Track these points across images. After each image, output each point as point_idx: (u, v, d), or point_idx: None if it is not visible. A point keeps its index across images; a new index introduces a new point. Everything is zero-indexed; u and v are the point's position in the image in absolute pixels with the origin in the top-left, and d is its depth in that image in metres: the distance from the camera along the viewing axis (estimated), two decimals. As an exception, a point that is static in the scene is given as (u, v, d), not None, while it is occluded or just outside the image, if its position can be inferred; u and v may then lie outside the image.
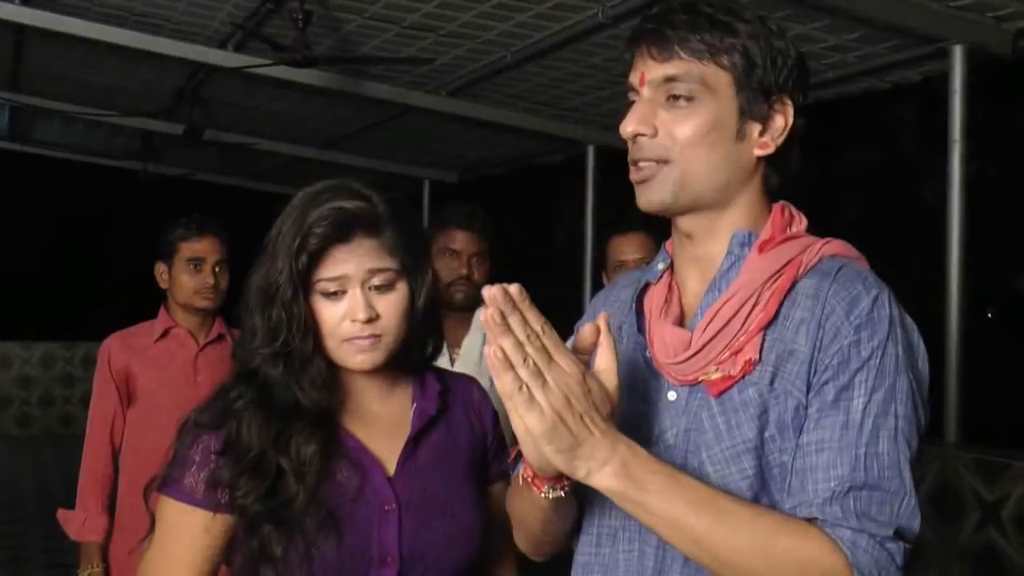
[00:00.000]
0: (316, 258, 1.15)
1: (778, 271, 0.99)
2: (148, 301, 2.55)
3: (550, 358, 0.85)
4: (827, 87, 4.08)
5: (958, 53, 3.26)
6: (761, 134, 1.02)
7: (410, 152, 6.79)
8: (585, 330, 0.91)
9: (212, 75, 5.13)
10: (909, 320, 1.00)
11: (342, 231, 1.16)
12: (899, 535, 0.90)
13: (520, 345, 0.83)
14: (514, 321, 0.83)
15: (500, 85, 4.77)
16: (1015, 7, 3.13)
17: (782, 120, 1.02)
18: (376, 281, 1.17)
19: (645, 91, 1.02)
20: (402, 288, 1.19)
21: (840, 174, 4.48)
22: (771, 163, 1.04)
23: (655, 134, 1.00)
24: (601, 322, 0.91)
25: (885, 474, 0.91)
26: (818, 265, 1.00)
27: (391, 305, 1.18)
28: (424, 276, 1.22)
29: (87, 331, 8.24)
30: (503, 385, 0.83)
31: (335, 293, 1.17)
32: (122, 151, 8.02)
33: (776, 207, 1.06)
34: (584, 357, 0.91)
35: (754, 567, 0.88)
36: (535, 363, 0.83)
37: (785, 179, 1.06)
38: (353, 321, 1.16)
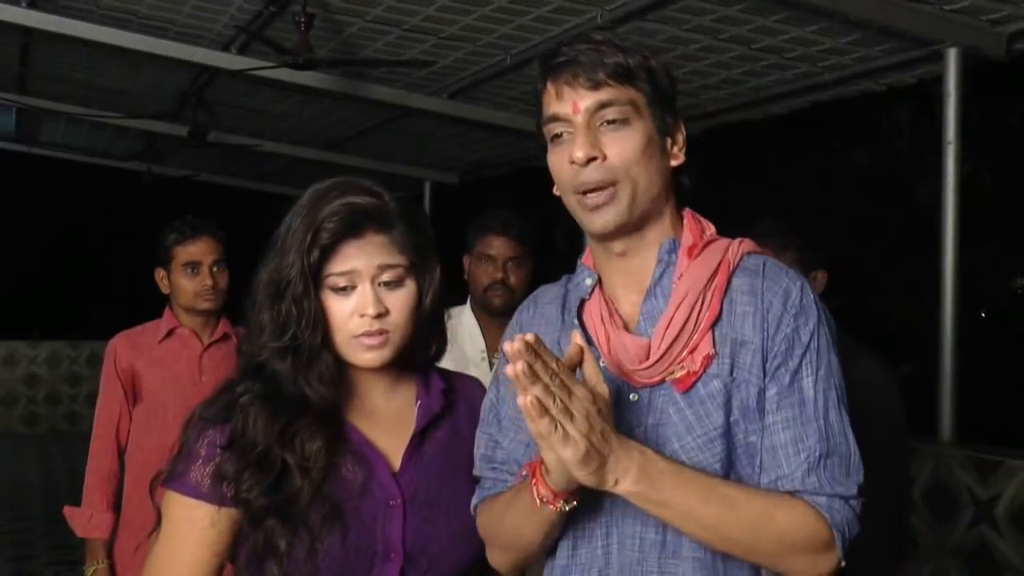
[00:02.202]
0: (327, 253, 1.15)
1: (714, 272, 1.09)
2: (153, 300, 2.57)
3: (570, 391, 0.92)
4: (824, 89, 4.12)
5: (952, 56, 3.28)
6: (672, 146, 1.13)
7: (411, 153, 6.82)
8: (571, 352, 0.98)
9: (216, 77, 5.17)
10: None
11: (353, 226, 1.16)
12: (859, 492, 1.05)
13: (548, 389, 0.90)
14: (539, 368, 0.90)
15: (500, 87, 4.80)
16: (1009, 10, 3.16)
17: (680, 133, 1.13)
18: (386, 277, 1.17)
19: (580, 119, 1.08)
20: (410, 285, 1.19)
21: (836, 175, 4.52)
22: (677, 173, 1.14)
23: (604, 158, 1.07)
24: (579, 339, 0.99)
25: (838, 440, 1.06)
26: (742, 263, 1.11)
27: (400, 301, 1.18)
28: (432, 275, 1.22)
29: (93, 330, 8.29)
30: (540, 429, 0.91)
31: (345, 288, 1.16)
32: (127, 152, 8.07)
33: (687, 214, 1.16)
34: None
35: (756, 541, 1.01)
36: (561, 400, 0.91)
37: (690, 186, 1.16)
38: (362, 316, 1.16)
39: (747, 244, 1.14)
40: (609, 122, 1.07)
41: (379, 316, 1.16)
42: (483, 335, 2.38)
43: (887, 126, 4.41)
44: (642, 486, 0.97)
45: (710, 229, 1.15)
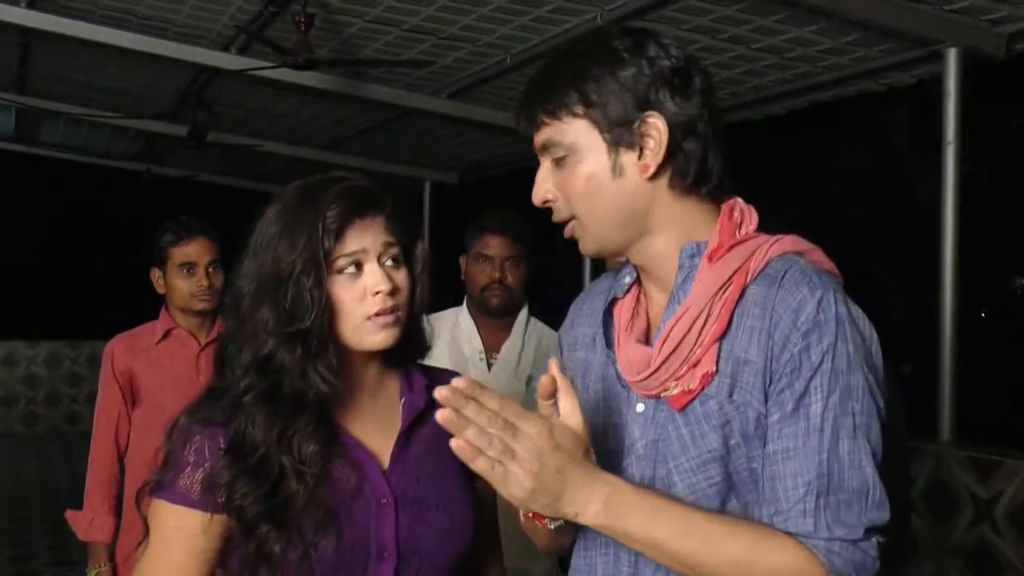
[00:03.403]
0: (337, 237, 1.16)
1: (727, 281, 1.00)
2: (152, 301, 2.57)
3: (515, 429, 0.90)
4: (823, 89, 4.11)
5: (952, 56, 3.27)
6: (640, 158, 1.02)
7: (411, 153, 6.81)
8: (544, 381, 0.97)
9: (215, 77, 5.16)
10: (857, 311, 1.01)
11: (357, 208, 1.17)
12: (871, 531, 0.95)
13: (482, 430, 0.89)
14: (470, 411, 0.89)
15: (500, 87, 4.80)
16: (1009, 10, 3.15)
17: (656, 135, 1.01)
18: (391, 254, 1.19)
19: (541, 158, 1.07)
20: (405, 268, 1.21)
21: (836, 175, 4.52)
22: (672, 170, 1.02)
23: (556, 198, 1.06)
24: (554, 369, 0.96)
25: (847, 475, 0.95)
26: (766, 269, 1.00)
27: (403, 280, 1.19)
28: (420, 262, 1.23)
29: (93, 330, 8.29)
30: (478, 468, 0.90)
31: (354, 268, 1.17)
32: (126, 153, 8.07)
33: (724, 210, 1.06)
34: (551, 403, 0.97)
35: None
36: (501, 440, 0.90)
37: (700, 173, 1.03)
38: (376, 294, 1.16)
39: (783, 244, 1.03)
40: (556, 160, 1.05)
41: (392, 293, 1.17)
42: (480, 335, 2.39)
43: (887, 126, 4.41)
44: (604, 520, 0.94)
45: (748, 226, 1.05)
